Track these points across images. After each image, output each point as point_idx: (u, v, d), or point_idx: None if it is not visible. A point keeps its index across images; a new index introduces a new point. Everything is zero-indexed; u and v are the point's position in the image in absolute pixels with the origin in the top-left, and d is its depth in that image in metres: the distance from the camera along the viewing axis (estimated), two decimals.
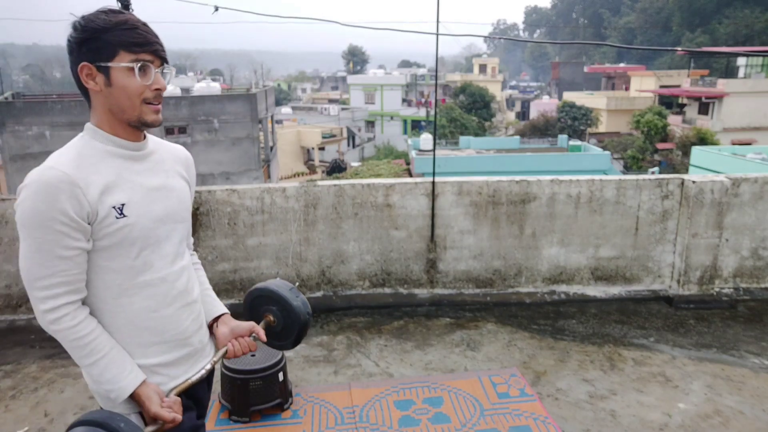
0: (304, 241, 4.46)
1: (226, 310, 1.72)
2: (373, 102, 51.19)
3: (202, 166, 21.05)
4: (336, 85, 72.10)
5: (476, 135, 36.65)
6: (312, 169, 36.01)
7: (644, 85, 42.82)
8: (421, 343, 3.91)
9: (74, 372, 3.59)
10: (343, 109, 47.23)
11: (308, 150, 38.26)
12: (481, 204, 4.53)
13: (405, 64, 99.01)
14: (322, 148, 38.15)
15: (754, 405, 3.18)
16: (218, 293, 4.45)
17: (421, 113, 45.11)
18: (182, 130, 20.76)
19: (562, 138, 32.00)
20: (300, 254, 4.49)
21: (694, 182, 4.45)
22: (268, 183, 20.55)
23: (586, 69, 61.12)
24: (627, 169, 30.37)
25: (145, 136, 1.49)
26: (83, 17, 1.38)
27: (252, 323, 1.69)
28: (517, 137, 35.06)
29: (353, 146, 44.19)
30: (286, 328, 1.78)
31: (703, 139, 27.54)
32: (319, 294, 4.55)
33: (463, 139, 32.65)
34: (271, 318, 1.77)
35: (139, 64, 1.36)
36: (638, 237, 4.63)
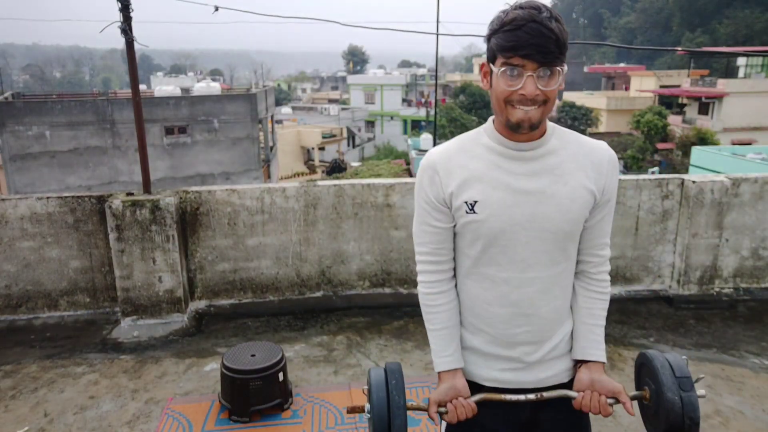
0: (304, 241, 4.46)
1: (601, 359, 1.50)
2: (373, 102, 51.19)
3: (202, 166, 21.09)
4: (336, 85, 72.07)
5: None
6: (312, 169, 36.01)
7: (644, 85, 42.80)
8: (421, 343, 3.91)
9: (74, 372, 3.59)
10: (343, 109, 47.23)
11: (308, 150, 38.25)
12: None
13: (405, 64, 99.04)
14: (322, 148, 38.13)
15: (754, 405, 3.18)
16: (218, 293, 4.48)
17: (421, 113, 45.13)
18: (182, 130, 20.76)
19: None
20: (300, 254, 4.49)
21: (694, 182, 4.45)
22: (268, 183, 20.55)
23: (586, 69, 61.09)
24: (627, 169, 30.36)
25: (541, 136, 1.41)
26: (503, 10, 1.33)
27: (620, 387, 1.44)
28: None
29: (353, 146, 44.19)
30: (658, 417, 1.44)
31: (703, 139, 27.55)
32: (319, 294, 4.55)
33: None
34: (647, 395, 1.49)
35: (507, 69, 1.30)
36: (638, 237, 4.63)
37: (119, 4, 4.24)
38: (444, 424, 1.61)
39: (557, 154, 1.42)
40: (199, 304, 4.45)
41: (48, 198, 4.23)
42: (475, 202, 1.40)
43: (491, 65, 1.35)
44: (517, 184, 1.39)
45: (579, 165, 1.42)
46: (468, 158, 1.43)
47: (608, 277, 1.56)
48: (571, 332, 1.55)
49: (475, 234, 1.43)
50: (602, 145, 1.48)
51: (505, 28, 1.29)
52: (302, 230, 4.45)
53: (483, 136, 1.45)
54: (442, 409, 1.47)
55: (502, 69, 1.30)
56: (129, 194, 4.29)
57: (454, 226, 1.48)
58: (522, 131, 1.35)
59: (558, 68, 1.29)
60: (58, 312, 4.36)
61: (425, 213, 1.48)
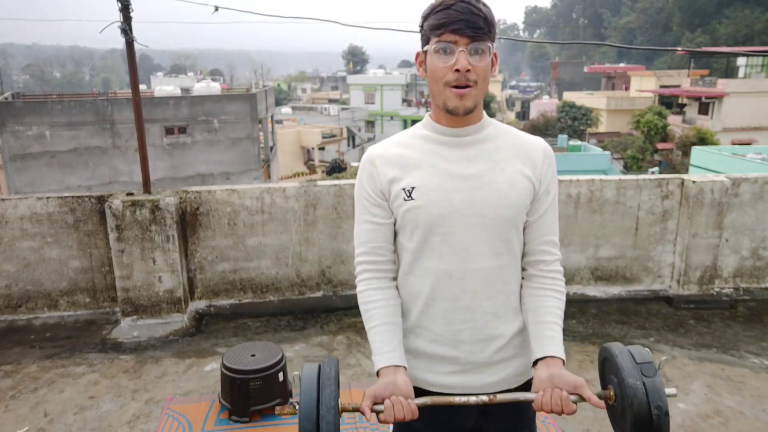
0: (304, 241, 4.46)
1: (557, 354, 1.39)
2: (373, 102, 51.17)
3: (202, 166, 21.08)
4: (336, 85, 72.05)
5: None
6: (312, 169, 36.00)
7: (644, 85, 42.80)
8: None
9: (74, 372, 3.59)
10: (343, 109, 47.21)
11: (308, 150, 38.24)
12: None
13: (405, 64, 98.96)
14: (322, 148, 38.12)
15: (754, 405, 3.18)
16: (218, 293, 4.47)
17: (421, 113, 45.11)
18: (182, 130, 20.76)
19: (562, 138, 32.00)
20: (300, 254, 4.49)
21: (694, 182, 4.45)
22: (268, 183, 20.54)
23: (586, 69, 61.11)
24: (627, 169, 30.36)
25: (477, 122, 1.43)
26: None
27: (581, 381, 1.33)
28: None
29: (353, 146, 44.17)
30: (624, 415, 1.32)
31: (703, 139, 27.53)
32: (319, 294, 4.55)
33: None
34: (612, 393, 1.37)
35: (440, 46, 1.32)
36: (638, 237, 4.63)
37: (119, 4, 4.24)
38: (391, 426, 1.54)
39: (493, 141, 1.44)
40: (199, 304, 4.45)
41: (48, 198, 4.23)
42: (413, 188, 1.39)
43: (425, 50, 1.38)
44: (455, 170, 1.39)
45: (515, 153, 1.44)
46: (405, 149, 1.44)
47: (562, 278, 1.50)
48: (521, 334, 1.49)
49: (414, 223, 1.40)
50: (538, 138, 1.50)
51: (436, 10, 1.34)
52: (302, 230, 4.45)
53: (420, 129, 1.47)
54: (379, 407, 1.31)
55: (435, 47, 1.33)
56: (129, 194, 4.29)
57: (395, 223, 1.46)
58: (458, 114, 1.36)
59: (488, 44, 1.33)
60: (58, 312, 4.36)
61: (364, 209, 1.47)
